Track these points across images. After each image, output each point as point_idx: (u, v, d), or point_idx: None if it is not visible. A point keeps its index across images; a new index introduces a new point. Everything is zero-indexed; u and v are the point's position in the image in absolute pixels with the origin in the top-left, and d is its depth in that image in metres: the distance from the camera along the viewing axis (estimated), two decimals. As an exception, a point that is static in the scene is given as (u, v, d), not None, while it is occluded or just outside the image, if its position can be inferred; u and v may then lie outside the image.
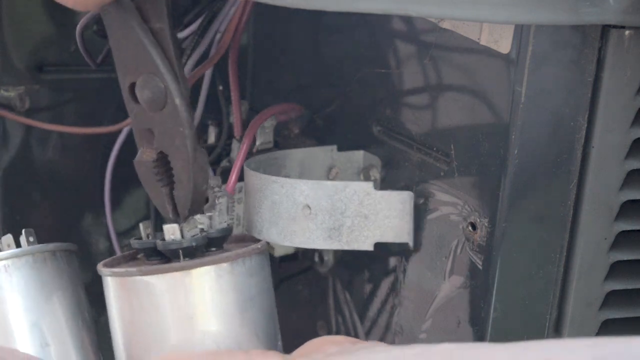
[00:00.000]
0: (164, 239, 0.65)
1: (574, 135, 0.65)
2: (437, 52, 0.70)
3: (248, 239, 0.71)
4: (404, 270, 0.74)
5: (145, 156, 0.67)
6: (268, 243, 0.69)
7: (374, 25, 0.75)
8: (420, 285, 0.73)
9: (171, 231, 0.65)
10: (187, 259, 0.64)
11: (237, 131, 0.83)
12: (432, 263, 0.71)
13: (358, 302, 0.80)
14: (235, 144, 0.84)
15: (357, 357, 0.59)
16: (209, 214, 0.68)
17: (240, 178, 0.76)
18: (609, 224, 0.67)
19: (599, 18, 0.61)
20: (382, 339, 0.78)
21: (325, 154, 0.78)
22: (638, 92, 0.65)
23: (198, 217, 0.67)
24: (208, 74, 0.80)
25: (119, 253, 0.93)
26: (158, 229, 0.67)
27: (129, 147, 0.96)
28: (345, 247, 0.71)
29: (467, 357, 0.53)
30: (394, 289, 0.76)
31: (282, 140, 0.84)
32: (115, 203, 0.98)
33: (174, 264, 0.64)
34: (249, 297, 0.65)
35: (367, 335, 0.79)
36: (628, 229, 0.67)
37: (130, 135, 0.88)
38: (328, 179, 0.78)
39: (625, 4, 0.61)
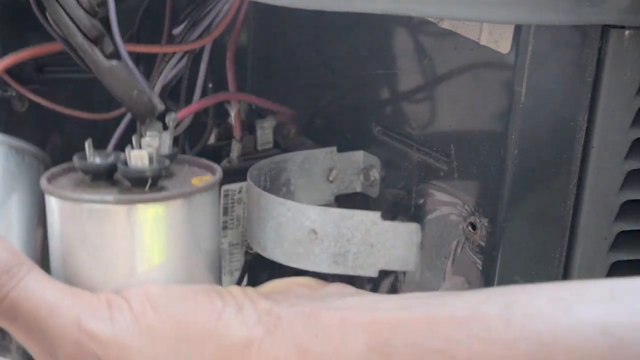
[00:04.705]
0: (116, 162, 0.64)
1: (574, 135, 0.65)
2: (436, 52, 0.70)
3: (190, 161, 0.69)
4: (404, 270, 0.74)
5: None
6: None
7: (373, 25, 0.75)
8: (421, 285, 0.73)
9: (139, 157, 0.63)
10: (151, 187, 0.63)
11: (236, 131, 0.83)
12: (432, 263, 0.71)
13: (358, 302, 0.80)
14: (235, 144, 0.84)
15: (327, 303, 0.59)
16: (155, 134, 0.66)
17: (242, 178, 0.76)
18: (609, 224, 0.67)
19: (599, 18, 0.61)
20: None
21: (325, 155, 0.78)
22: (638, 92, 0.65)
23: (148, 139, 0.65)
24: (202, 71, 0.80)
25: None
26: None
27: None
28: (350, 273, 0.71)
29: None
30: (394, 289, 0.76)
31: (282, 140, 0.84)
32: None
33: (156, 194, 0.62)
34: (208, 229, 0.64)
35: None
36: (628, 229, 0.67)
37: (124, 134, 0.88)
38: (328, 180, 0.78)
39: (625, 4, 0.61)
